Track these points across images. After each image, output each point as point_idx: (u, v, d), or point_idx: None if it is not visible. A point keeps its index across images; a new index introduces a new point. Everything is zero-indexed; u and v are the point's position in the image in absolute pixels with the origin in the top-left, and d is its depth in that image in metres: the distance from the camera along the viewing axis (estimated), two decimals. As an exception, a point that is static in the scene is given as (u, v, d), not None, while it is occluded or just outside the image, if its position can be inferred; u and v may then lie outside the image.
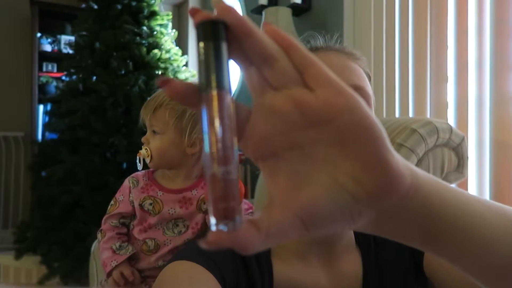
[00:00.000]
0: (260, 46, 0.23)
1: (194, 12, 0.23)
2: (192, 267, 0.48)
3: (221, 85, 0.22)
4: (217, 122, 0.22)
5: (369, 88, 0.54)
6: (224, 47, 0.23)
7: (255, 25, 0.24)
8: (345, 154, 0.24)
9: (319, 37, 0.59)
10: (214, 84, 0.22)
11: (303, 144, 0.24)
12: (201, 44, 0.23)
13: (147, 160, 0.89)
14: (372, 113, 0.24)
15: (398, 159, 0.25)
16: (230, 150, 0.22)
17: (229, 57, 0.24)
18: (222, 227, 0.22)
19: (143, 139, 0.91)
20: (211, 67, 0.22)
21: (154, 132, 0.89)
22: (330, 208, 0.24)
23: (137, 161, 0.91)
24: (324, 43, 0.58)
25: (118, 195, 0.93)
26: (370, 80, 0.58)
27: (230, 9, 0.23)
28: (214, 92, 0.22)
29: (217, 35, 0.23)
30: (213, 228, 0.22)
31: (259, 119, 0.25)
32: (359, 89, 0.51)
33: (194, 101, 0.23)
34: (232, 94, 0.23)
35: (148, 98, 0.92)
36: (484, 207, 0.29)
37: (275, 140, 0.24)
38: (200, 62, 0.23)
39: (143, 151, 0.89)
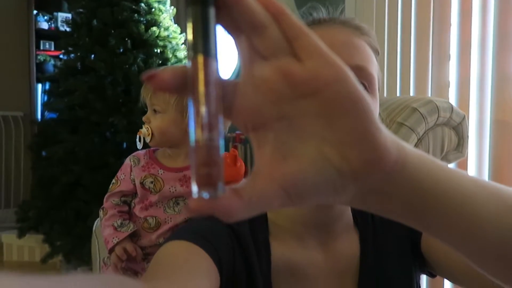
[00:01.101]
0: (249, 13, 0.23)
1: None
2: (188, 247, 0.48)
3: (208, 51, 0.22)
4: (201, 88, 0.22)
5: (373, 67, 0.52)
6: (212, 13, 0.22)
7: None
8: (332, 127, 0.23)
9: (322, 8, 0.57)
10: (200, 49, 0.22)
11: (291, 115, 0.24)
12: (189, 9, 0.22)
13: (148, 139, 0.89)
14: (360, 87, 0.24)
15: (385, 134, 0.24)
16: (214, 117, 0.22)
17: (218, 24, 0.23)
18: (204, 194, 0.22)
19: (144, 118, 0.91)
20: (198, 32, 0.22)
21: (154, 111, 0.89)
22: (313, 180, 0.24)
23: (137, 139, 0.91)
24: (328, 16, 0.56)
25: (120, 174, 0.94)
26: (378, 55, 0.56)
27: None
28: (200, 58, 0.22)
29: (205, 0, 0.22)
30: (195, 195, 0.22)
31: (248, 90, 0.24)
32: (361, 70, 0.50)
33: (183, 88, 0.23)
34: (218, 62, 0.23)
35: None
36: (477, 186, 0.28)
37: (264, 111, 0.24)
38: (187, 28, 0.22)
39: (143, 130, 0.89)
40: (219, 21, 0.23)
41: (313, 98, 0.23)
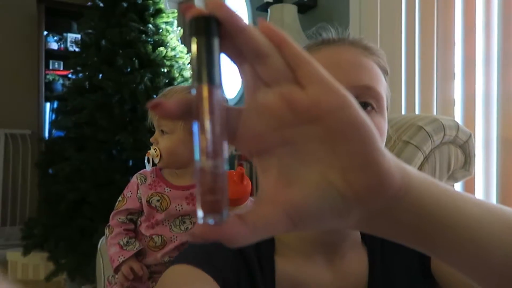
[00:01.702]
0: (252, 42, 0.23)
1: (185, 8, 0.23)
2: (192, 272, 0.48)
3: (212, 80, 0.22)
4: (206, 116, 0.22)
5: (381, 86, 0.52)
6: (216, 42, 0.23)
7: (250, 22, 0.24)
8: (335, 153, 0.24)
9: (331, 29, 0.57)
10: (205, 78, 0.22)
11: (295, 141, 0.24)
12: (193, 39, 0.23)
13: (156, 160, 0.89)
14: (363, 112, 0.24)
15: (389, 159, 0.25)
16: (219, 144, 0.23)
17: (222, 53, 0.24)
18: (209, 220, 0.22)
19: (151, 139, 0.91)
20: (203, 62, 0.22)
21: (162, 131, 0.89)
22: (317, 205, 0.24)
23: (146, 161, 0.91)
24: (337, 36, 0.56)
25: (126, 192, 0.94)
26: (387, 74, 0.56)
27: (222, 5, 0.23)
28: (205, 87, 0.22)
29: (209, 30, 0.23)
30: (200, 221, 0.22)
31: (251, 116, 0.25)
32: (369, 89, 0.50)
33: (188, 115, 0.23)
34: (222, 90, 0.23)
35: (155, 97, 0.92)
36: (482, 210, 0.28)
37: (267, 137, 0.25)
38: (192, 57, 0.23)
39: (152, 151, 0.89)
40: (222, 49, 0.24)
41: (316, 124, 0.24)
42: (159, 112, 0.23)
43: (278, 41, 0.24)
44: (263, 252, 0.53)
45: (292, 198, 0.24)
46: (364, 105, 0.50)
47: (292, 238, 0.54)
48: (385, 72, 0.55)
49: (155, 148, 0.89)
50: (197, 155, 0.22)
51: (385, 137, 0.54)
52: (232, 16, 0.23)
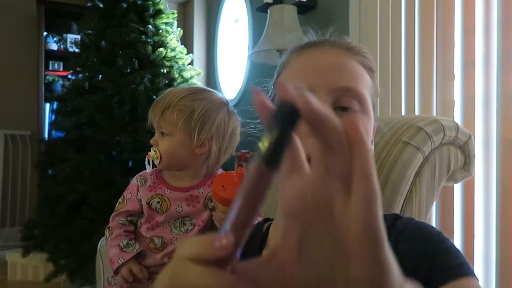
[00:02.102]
0: (330, 137, 0.23)
1: (281, 89, 0.23)
2: None
3: (278, 168, 0.22)
4: (257, 201, 0.23)
5: (363, 86, 0.52)
6: (292, 133, 0.23)
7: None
8: (347, 265, 0.24)
9: (312, 31, 0.58)
10: (274, 164, 0.22)
11: (315, 231, 0.25)
12: (277, 127, 0.23)
13: (156, 162, 0.89)
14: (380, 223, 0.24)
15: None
16: (241, 231, 0.23)
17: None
18: None
19: (151, 141, 0.90)
20: (275, 148, 0.22)
21: (162, 133, 0.89)
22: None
23: (146, 162, 0.90)
24: (318, 38, 0.57)
25: (126, 193, 0.94)
26: (373, 73, 0.56)
27: (309, 101, 0.22)
28: (269, 171, 0.22)
29: (294, 122, 0.23)
30: None
31: (291, 190, 0.25)
32: (349, 90, 0.50)
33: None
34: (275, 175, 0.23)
35: (156, 99, 0.92)
36: None
37: (300, 210, 0.25)
38: (266, 136, 0.23)
39: (152, 153, 0.89)
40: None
41: (337, 239, 0.24)
42: (256, 103, 0.23)
43: (355, 141, 0.24)
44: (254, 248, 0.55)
45: (297, 275, 0.25)
46: (344, 109, 0.51)
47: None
48: (370, 70, 0.55)
49: (155, 150, 0.88)
50: (225, 225, 0.23)
51: (371, 135, 0.55)
52: (316, 112, 0.22)
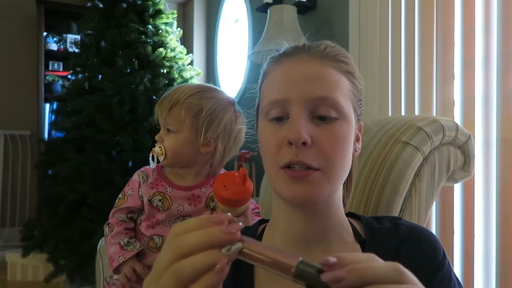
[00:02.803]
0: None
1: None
2: None
3: None
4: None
5: (339, 93, 0.53)
6: None
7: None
8: None
9: (285, 43, 0.60)
10: None
11: None
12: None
13: (161, 158, 0.88)
14: None
15: None
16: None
17: None
18: None
19: (156, 137, 0.89)
20: None
21: (168, 130, 0.88)
22: None
23: (150, 158, 0.89)
24: (292, 48, 0.58)
25: (127, 189, 0.92)
26: (352, 74, 0.57)
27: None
28: None
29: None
30: None
31: None
32: (324, 99, 0.52)
33: None
34: None
35: (163, 95, 0.90)
36: None
37: None
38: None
39: (156, 149, 0.87)
40: None
41: None
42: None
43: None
44: (243, 269, 0.56)
45: None
46: (322, 118, 0.53)
47: (280, 237, 0.58)
48: (348, 73, 0.56)
49: (160, 146, 0.87)
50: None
51: (353, 138, 0.57)
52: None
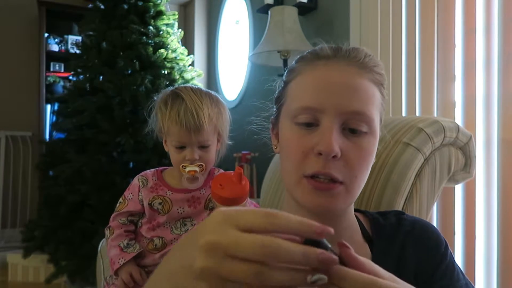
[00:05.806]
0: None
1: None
2: None
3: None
4: None
5: (373, 108, 0.53)
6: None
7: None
8: None
9: (324, 43, 0.58)
10: None
11: None
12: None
13: (201, 174, 0.88)
14: None
15: None
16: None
17: None
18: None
19: (190, 159, 0.86)
20: None
21: (202, 147, 0.88)
22: None
23: (186, 181, 0.88)
24: (330, 51, 0.56)
25: (127, 193, 0.94)
26: (383, 86, 0.56)
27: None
28: None
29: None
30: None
31: None
32: (359, 114, 0.52)
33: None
34: None
35: (180, 119, 0.85)
36: None
37: None
38: None
39: (197, 169, 0.86)
40: None
41: None
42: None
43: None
44: None
45: None
46: (353, 131, 0.53)
47: None
48: (381, 86, 0.56)
49: (201, 164, 0.87)
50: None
51: (375, 154, 0.57)
52: None
